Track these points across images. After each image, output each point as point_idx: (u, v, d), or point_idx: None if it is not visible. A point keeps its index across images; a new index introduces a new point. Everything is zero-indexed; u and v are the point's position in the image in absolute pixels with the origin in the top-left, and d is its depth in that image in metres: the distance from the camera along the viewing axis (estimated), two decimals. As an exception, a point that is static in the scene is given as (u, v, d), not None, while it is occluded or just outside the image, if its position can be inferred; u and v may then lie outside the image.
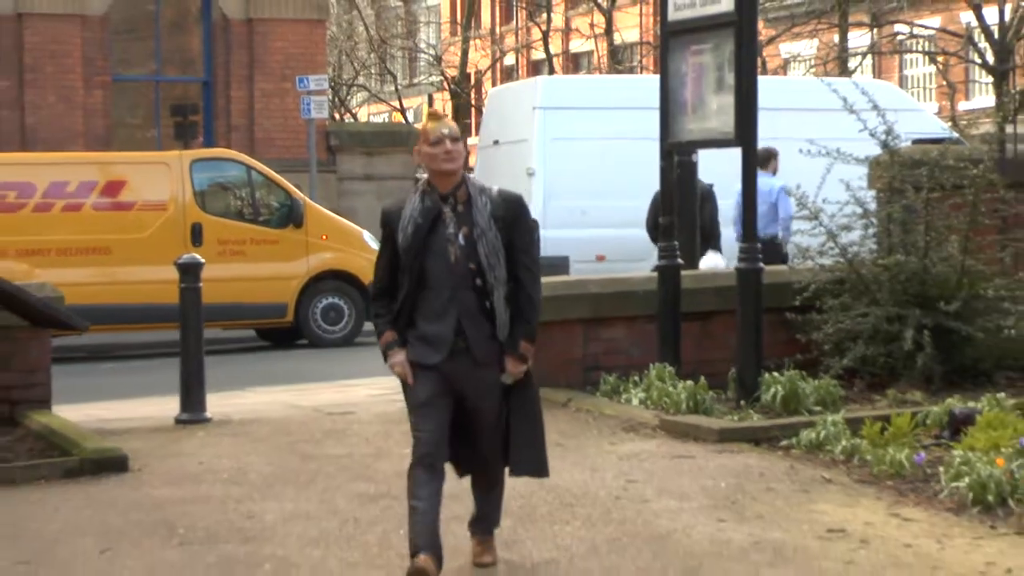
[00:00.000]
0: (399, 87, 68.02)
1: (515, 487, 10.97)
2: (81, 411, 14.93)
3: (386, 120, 64.53)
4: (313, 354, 22.70)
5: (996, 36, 35.14)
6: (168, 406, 15.31)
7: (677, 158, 15.98)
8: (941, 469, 11.17)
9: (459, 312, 8.21)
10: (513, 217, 8.36)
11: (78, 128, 29.87)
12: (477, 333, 8.23)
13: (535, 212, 23.20)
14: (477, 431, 8.60)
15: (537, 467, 8.84)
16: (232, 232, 22.99)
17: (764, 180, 17.48)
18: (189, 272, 15.26)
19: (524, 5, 66.79)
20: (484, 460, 8.79)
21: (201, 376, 15.19)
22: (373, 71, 66.75)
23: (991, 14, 35.82)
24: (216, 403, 15.42)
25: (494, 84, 54.36)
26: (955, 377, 14.42)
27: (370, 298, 8.86)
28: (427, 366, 8.26)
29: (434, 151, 8.17)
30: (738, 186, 15.50)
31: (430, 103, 69.98)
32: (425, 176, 8.23)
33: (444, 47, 69.47)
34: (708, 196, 18.73)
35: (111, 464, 12.53)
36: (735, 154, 14.77)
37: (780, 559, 9.37)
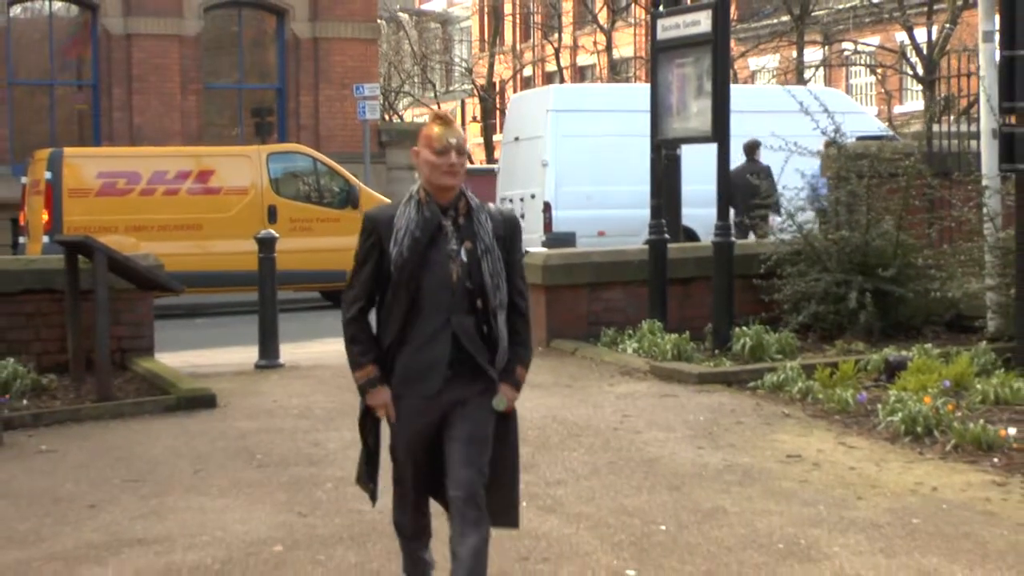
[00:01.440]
0: (437, 93, 68.07)
1: (531, 420, 10.96)
2: (178, 358, 14.94)
3: (428, 120, 64.29)
4: (367, 312, 22.64)
5: (925, 52, 34.97)
6: (249, 354, 15.31)
7: (664, 152, 15.94)
8: (879, 406, 11.17)
9: (456, 336, 6.03)
10: (511, 237, 6.26)
11: (176, 127, 29.88)
12: (476, 360, 6.04)
13: (549, 196, 23.32)
14: (465, 468, 6.05)
15: (507, 517, 6.39)
16: (301, 212, 22.97)
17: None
18: (266, 245, 15.29)
19: (539, 26, 66.96)
20: (471, 481, 6.11)
21: (275, 329, 15.19)
22: (416, 80, 66.56)
23: (921, 34, 35.64)
24: (288, 352, 15.42)
25: (515, 91, 54.15)
26: (891, 331, 14.38)
27: (343, 318, 6.18)
28: (415, 399, 6.02)
29: (437, 161, 5.99)
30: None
31: (462, 108, 69.94)
32: (418, 186, 6.16)
33: (474, 61, 69.33)
34: (768, 174, 18.88)
35: (202, 401, 12.56)
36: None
37: (748, 479, 9.37)
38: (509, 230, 6.22)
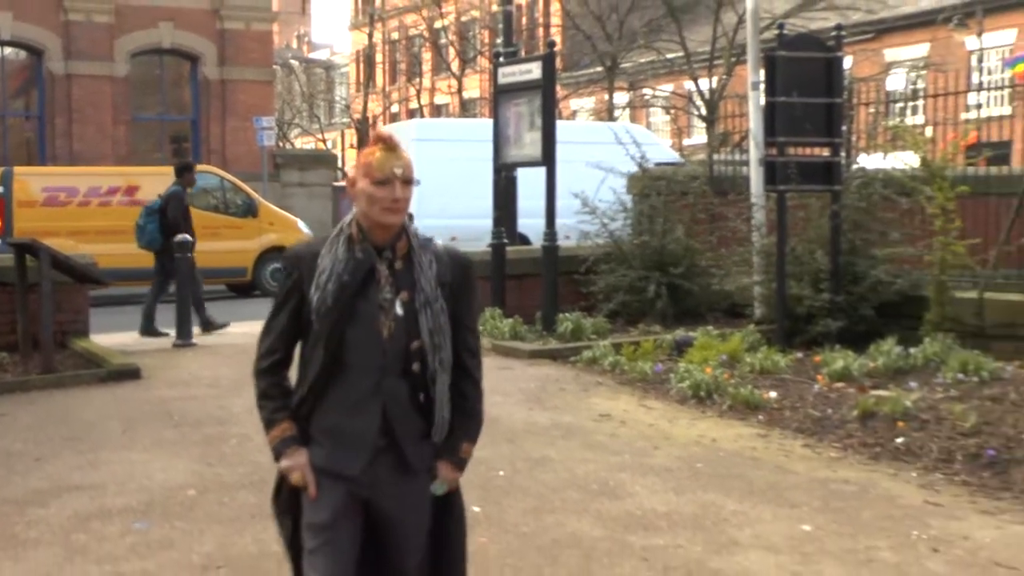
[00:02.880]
0: (322, 126, 67.70)
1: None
2: (109, 339, 14.73)
3: (313, 147, 63.82)
4: (264, 301, 22.47)
5: (707, 97, 35.41)
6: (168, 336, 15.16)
7: (504, 173, 16.02)
8: (672, 375, 11.31)
9: (386, 404, 4.05)
10: (461, 284, 4.24)
11: (108, 151, 29.48)
12: (408, 433, 4.08)
13: (412, 208, 23.23)
14: (397, 557, 4.17)
15: None
16: (211, 220, 22.76)
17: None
18: (183, 247, 15.14)
19: (404, 72, 66.93)
20: None
21: (189, 315, 15.08)
22: (304, 114, 66.21)
23: (704, 83, 36.08)
24: (199, 333, 15.27)
25: (384, 124, 54.02)
26: (681, 316, 14.56)
27: (255, 368, 4.23)
28: (337, 475, 3.99)
29: (377, 193, 3.99)
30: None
31: (342, 137, 69.58)
32: (351, 217, 4.16)
33: (352, 99, 69.14)
34: None
35: (129, 374, 12.41)
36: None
37: (569, 434, 9.44)
38: (458, 275, 4.13)
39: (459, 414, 4.13)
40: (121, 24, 30.45)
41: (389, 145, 3.98)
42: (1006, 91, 34.69)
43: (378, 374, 3.92)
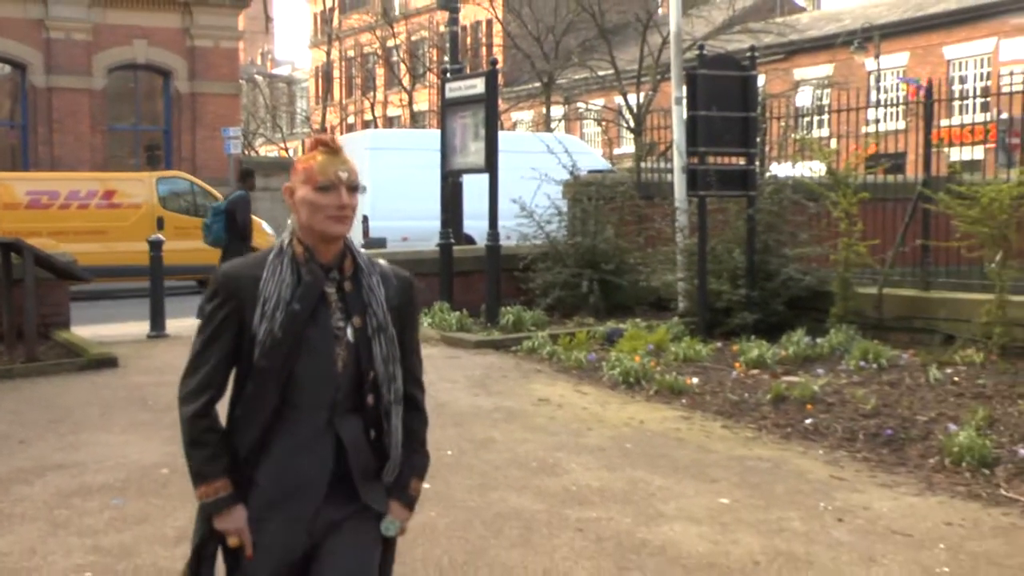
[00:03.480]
0: (284, 135, 67.23)
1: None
2: (88, 330, 14.54)
3: (276, 155, 63.43)
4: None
5: (635, 111, 35.51)
6: (142, 327, 14.95)
7: (451, 179, 16.00)
8: (604, 363, 11.32)
9: (338, 443, 3.33)
10: (407, 307, 3.51)
11: (87, 158, 29.16)
12: (362, 472, 3.37)
13: (367, 211, 23.22)
14: None
15: None
16: (182, 222, 22.56)
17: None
18: (155, 246, 15.00)
19: (360, 87, 66.66)
20: None
21: (162, 308, 14.87)
22: (268, 125, 65.76)
23: (632, 98, 36.17)
24: (172, 325, 15.12)
25: (342, 133, 53.80)
26: (612, 310, 14.58)
27: (183, 412, 3.21)
28: (281, 525, 3.24)
29: (321, 200, 3.24)
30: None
31: (302, 146, 69.24)
32: (289, 234, 3.36)
33: (311, 111, 68.78)
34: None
35: (107, 362, 12.27)
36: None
37: (511, 417, 9.41)
38: (405, 298, 3.39)
39: (407, 450, 3.39)
40: (99, 41, 30.13)
41: (331, 148, 3.23)
42: (901, 107, 35.04)
43: (329, 410, 3.18)
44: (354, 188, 3.20)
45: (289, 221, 3.22)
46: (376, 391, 3.23)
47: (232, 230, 16.35)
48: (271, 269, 3.14)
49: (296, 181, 3.21)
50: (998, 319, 10.83)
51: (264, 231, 24.05)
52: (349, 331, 3.20)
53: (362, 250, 3.29)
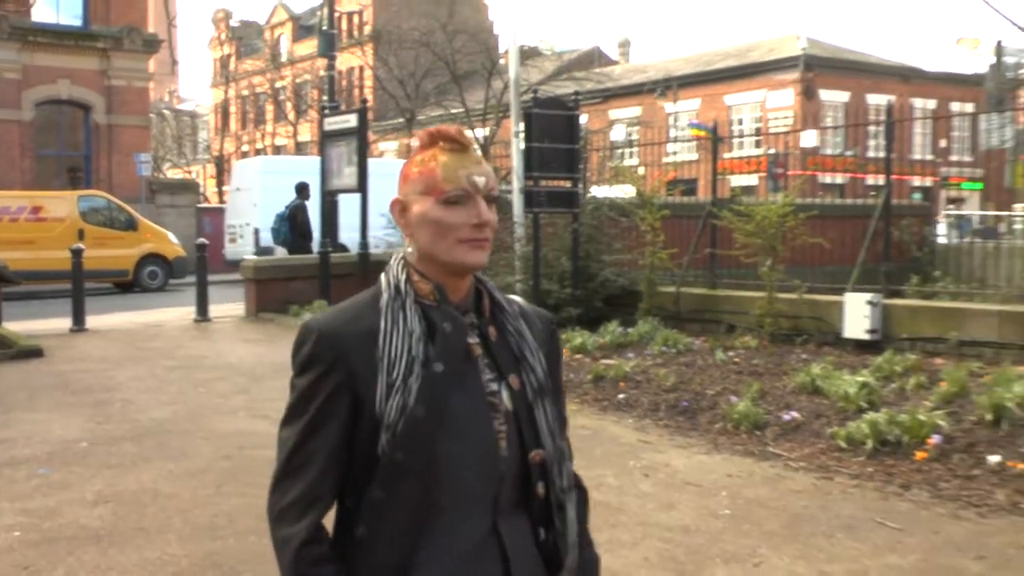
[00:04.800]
0: (188, 160, 65.53)
1: (248, 362, 10.65)
2: (19, 325, 13.97)
3: (181, 177, 61.75)
4: (143, 296, 21.69)
5: (483, 143, 35.58)
6: (65, 323, 14.43)
7: (330, 198, 15.82)
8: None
9: (507, 556, 1.69)
10: (552, 354, 1.90)
11: (17, 179, 27.91)
12: None
13: (257, 224, 22.82)
14: None
15: None
16: (100, 233, 21.82)
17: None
18: (77, 254, 14.45)
19: (253, 120, 65.53)
20: None
21: (83, 306, 14.34)
22: (174, 152, 63.95)
23: (480, 131, 36.22)
24: (91, 321, 14.62)
25: (237, 159, 52.72)
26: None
27: (280, 536, 1.64)
28: None
29: (450, 218, 1.75)
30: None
31: (204, 170, 67.56)
32: (400, 263, 1.81)
33: (212, 140, 67.16)
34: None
35: (34, 352, 11.82)
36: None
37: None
38: (552, 343, 1.96)
39: (580, 547, 1.91)
40: (28, 80, 28.92)
41: (459, 144, 1.83)
42: (693, 143, 35.87)
43: (493, 511, 1.77)
44: (494, 199, 1.83)
45: (402, 250, 1.89)
46: (546, 476, 1.81)
47: (294, 230, 16.91)
48: (390, 318, 1.76)
49: (409, 192, 1.84)
50: (768, 312, 11.11)
51: (171, 240, 23.45)
52: (505, 396, 1.80)
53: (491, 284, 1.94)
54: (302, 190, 17.32)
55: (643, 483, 6.41)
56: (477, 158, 1.82)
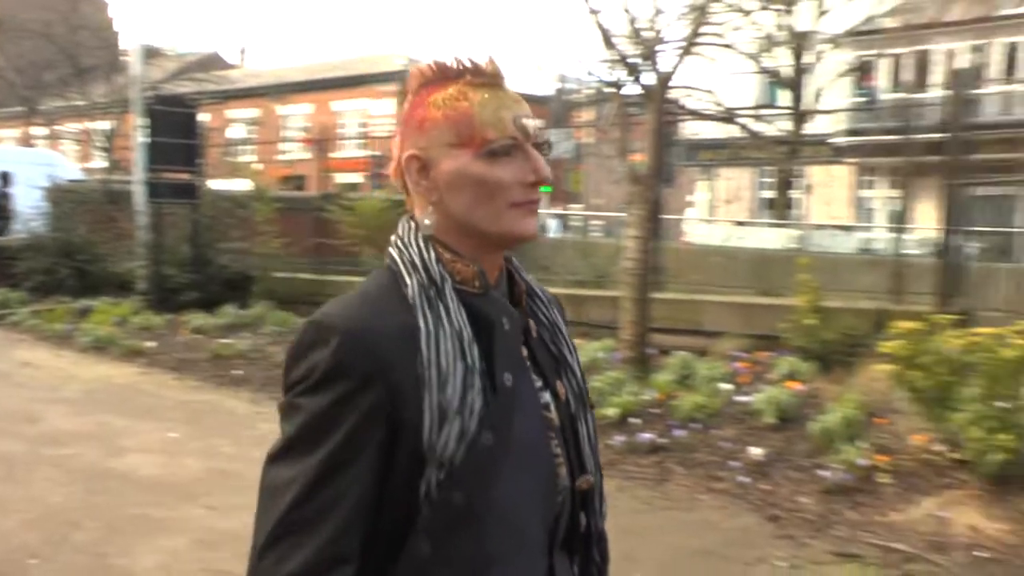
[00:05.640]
0: None
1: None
2: None
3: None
4: None
5: (107, 135, 33.02)
6: None
7: None
8: (78, 332, 10.52)
9: None
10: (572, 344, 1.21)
11: None
12: None
13: None
14: None
15: None
16: None
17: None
18: None
19: None
20: None
21: None
22: None
23: (105, 124, 33.63)
24: None
25: None
26: (86, 290, 13.50)
27: None
28: None
29: (497, 174, 1.12)
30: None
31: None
32: (423, 242, 1.14)
33: None
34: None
35: None
36: None
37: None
38: (568, 329, 1.30)
39: None
40: None
41: (496, 79, 1.22)
42: (302, 144, 35.69)
43: (548, 551, 1.23)
44: (548, 147, 1.24)
45: (408, 221, 1.26)
46: (587, 505, 1.29)
47: None
48: (430, 314, 1.15)
49: (432, 144, 1.21)
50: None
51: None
52: (553, 408, 1.26)
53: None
54: None
55: (257, 451, 6.33)
56: (516, 95, 1.22)
